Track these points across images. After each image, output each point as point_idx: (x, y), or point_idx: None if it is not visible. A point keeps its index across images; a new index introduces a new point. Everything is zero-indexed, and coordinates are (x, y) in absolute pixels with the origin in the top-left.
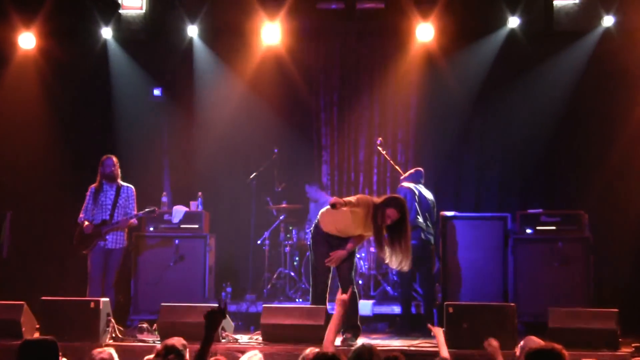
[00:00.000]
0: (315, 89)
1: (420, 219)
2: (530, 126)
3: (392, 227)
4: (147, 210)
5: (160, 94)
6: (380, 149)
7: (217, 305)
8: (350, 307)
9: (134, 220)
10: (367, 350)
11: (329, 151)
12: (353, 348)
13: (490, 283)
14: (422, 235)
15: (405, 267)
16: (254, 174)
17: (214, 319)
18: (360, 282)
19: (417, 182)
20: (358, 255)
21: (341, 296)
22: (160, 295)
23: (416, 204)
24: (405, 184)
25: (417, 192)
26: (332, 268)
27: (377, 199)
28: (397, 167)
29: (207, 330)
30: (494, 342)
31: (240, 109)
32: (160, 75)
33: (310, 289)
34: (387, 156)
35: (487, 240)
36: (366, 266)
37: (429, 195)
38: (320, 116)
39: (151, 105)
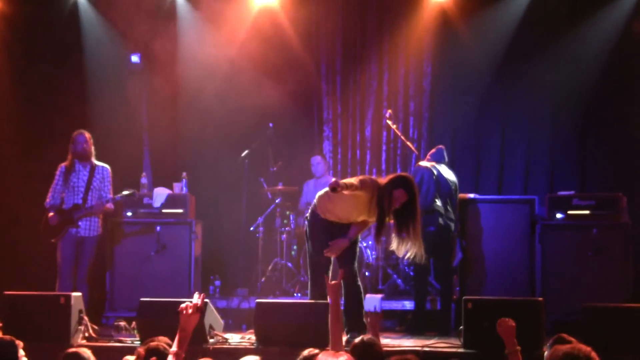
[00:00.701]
0: (315, 55)
1: (439, 203)
2: (561, 98)
3: (399, 211)
4: (125, 193)
5: (138, 61)
6: (389, 123)
7: (192, 300)
8: (354, 303)
9: (109, 205)
10: (368, 345)
11: (331, 126)
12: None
13: (515, 275)
14: (441, 221)
15: (417, 257)
16: (246, 151)
17: (188, 317)
18: (366, 274)
19: (438, 161)
20: (365, 244)
21: (332, 282)
22: (140, 289)
23: (434, 186)
24: (423, 164)
25: (435, 173)
26: (332, 259)
27: (382, 180)
28: (408, 143)
29: (179, 332)
30: (509, 322)
31: (231, 78)
32: (138, 40)
33: (309, 283)
34: (397, 131)
35: (512, 226)
36: (374, 256)
37: (450, 176)
38: (321, 86)
39: (128, 74)
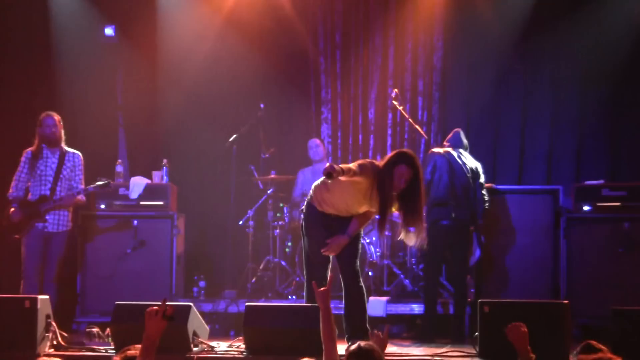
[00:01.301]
0: (312, 27)
1: (453, 193)
2: (589, 74)
3: (404, 194)
4: (98, 183)
5: (113, 34)
6: (395, 103)
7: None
8: (356, 307)
9: (81, 197)
10: (366, 352)
11: (330, 107)
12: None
13: (537, 275)
14: (455, 214)
15: (418, 244)
16: (234, 136)
17: (154, 322)
18: (370, 273)
19: (455, 146)
20: (367, 240)
21: (320, 289)
22: (115, 291)
23: (448, 174)
24: (436, 150)
25: (449, 159)
26: (331, 258)
27: (381, 162)
28: (417, 126)
29: (144, 338)
30: (521, 327)
31: (217, 53)
32: (113, 10)
33: (305, 284)
34: (404, 113)
35: (533, 220)
36: (378, 253)
37: (470, 162)
38: (318, 62)
39: (102, 48)
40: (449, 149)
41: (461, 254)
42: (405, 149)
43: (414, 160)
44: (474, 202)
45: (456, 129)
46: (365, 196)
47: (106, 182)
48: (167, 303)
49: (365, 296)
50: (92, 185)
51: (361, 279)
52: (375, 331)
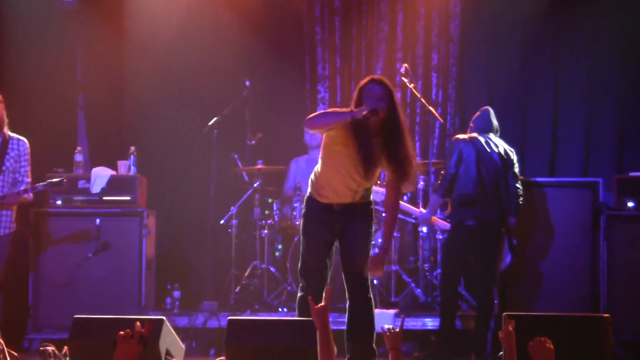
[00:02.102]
0: None
1: (481, 190)
2: (632, 50)
3: (386, 138)
4: (50, 181)
5: None
6: (405, 81)
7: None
8: (363, 322)
9: (27, 195)
10: None
11: (328, 84)
12: None
13: (572, 282)
14: (483, 213)
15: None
16: (215, 119)
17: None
18: (375, 282)
19: (482, 130)
20: (372, 242)
21: (318, 306)
22: (74, 302)
23: (475, 165)
24: (461, 136)
25: (477, 148)
26: (331, 262)
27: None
28: (430, 108)
29: None
30: (546, 343)
31: (194, 21)
32: None
33: (298, 293)
34: (415, 92)
35: (568, 217)
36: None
37: (501, 148)
38: (314, 31)
39: (59, 16)
40: (475, 134)
41: (489, 260)
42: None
43: (382, 80)
44: (505, 197)
45: (484, 108)
46: (346, 145)
47: (59, 180)
48: (143, 321)
49: (374, 310)
50: (41, 183)
51: (370, 290)
52: (390, 327)
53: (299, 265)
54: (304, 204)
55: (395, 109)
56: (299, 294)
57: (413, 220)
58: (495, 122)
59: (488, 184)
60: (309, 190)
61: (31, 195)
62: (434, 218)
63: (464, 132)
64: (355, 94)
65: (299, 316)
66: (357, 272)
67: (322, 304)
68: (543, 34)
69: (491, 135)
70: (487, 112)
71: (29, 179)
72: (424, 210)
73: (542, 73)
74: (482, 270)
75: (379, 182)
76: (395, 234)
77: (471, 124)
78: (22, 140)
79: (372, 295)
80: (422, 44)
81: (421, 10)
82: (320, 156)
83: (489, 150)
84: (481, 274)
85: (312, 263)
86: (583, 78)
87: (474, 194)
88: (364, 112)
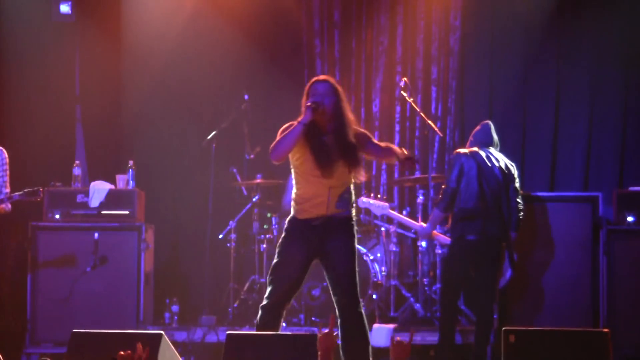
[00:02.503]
0: (306, 2)
1: (479, 204)
2: (635, 61)
3: (333, 128)
4: (26, 190)
5: (69, 11)
6: (404, 94)
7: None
8: (357, 338)
9: (5, 205)
10: None
11: None
12: None
13: (572, 297)
14: (484, 227)
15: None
16: (214, 132)
17: None
18: (374, 296)
19: (483, 143)
20: (371, 257)
21: (323, 332)
22: (72, 317)
23: (476, 179)
24: (462, 150)
25: (478, 162)
26: (301, 279)
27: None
28: (429, 122)
29: None
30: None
31: (192, 34)
32: None
33: (263, 302)
34: (414, 105)
35: (568, 232)
36: (383, 272)
37: (502, 162)
38: (313, 44)
39: (57, 28)
40: (476, 148)
41: (489, 275)
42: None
43: (327, 78)
44: (506, 212)
45: (485, 122)
46: (303, 153)
47: (35, 189)
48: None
49: (367, 324)
50: (17, 193)
51: (361, 303)
52: (397, 338)
53: (269, 274)
54: (287, 223)
55: (341, 103)
56: (262, 303)
57: (412, 235)
58: (495, 137)
59: (489, 199)
60: (291, 211)
61: (9, 205)
62: (435, 232)
63: (464, 146)
64: (302, 99)
65: (259, 325)
66: (349, 286)
67: (327, 331)
68: (543, 46)
69: (492, 150)
70: (488, 126)
71: (8, 190)
72: (424, 225)
73: (543, 86)
74: (482, 284)
75: (379, 196)
76: (394, 249)
77: (471, 138)
78: (0, 150)
79: (362, 311)
80: (422, 58)
81: (421, 23)
82: (292, 177)
83: (490, 164)
84: (481, 289)
85: (281, 272)
86: (584, 91)
87: (475, 208)
88: (307, 104)
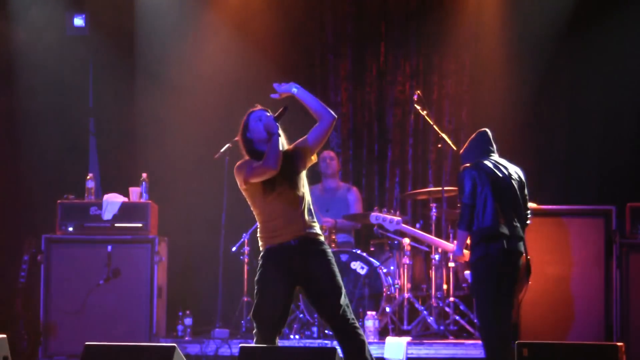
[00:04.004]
0: (319, 17)
1: (502, 221)
2: None
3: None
4: None
5: (83, 24)
6: (418, 107)
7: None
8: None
9: None
10: None
11: (340, 111)
12: None
13: (586, 311)
14: (507, 245)
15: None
16: (227, 145)
17: None
18: (387, 309)
19: (484, 153)
20: (384, 270)
21: None
22: (85, 329)
23: (491, 193)
24: (468, 164)
25: (489, 173)
26: (288, 307)
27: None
28: (443, 135)
29: None
30: None
31: (205, 47)
32: None
33: (254, 330)
34: (428, 118)
35: (581, 246)
36: (397, 285)
37: (512, 171)
38: (327, 58)
39: (70, 42)
40: (480, 159)
41: (515, 291)
42: None
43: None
44: (523, 221)
45: (481, 130)
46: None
47: None
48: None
49: (365, 340)
50: None
51: (352, 317)
52: None
53: (252, 309)
54: (259, 260)
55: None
56: (254, 330)
57: (426, 248)
58: (493, 145)
59: (508, 211)
60: (261, 249)
61: None
62: (466, 253)
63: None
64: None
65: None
66: (333, 305)
67: None
68: (557, 60)
69: (495, 157)
70: (487, 133)
71: None
72: (450, 245)
73: (556, 100)
74: (509, 301)
75: (391, 210)
76: (407, 262)
77: (467, 147)
78: None
79: (358, 326)
80: (435, 71)
81: (434, 36)
82: (254, 211)
83: (500, 174)
84: (510, 305)
85: (266, 308)
86: (598, 105)
87: (495, 224)
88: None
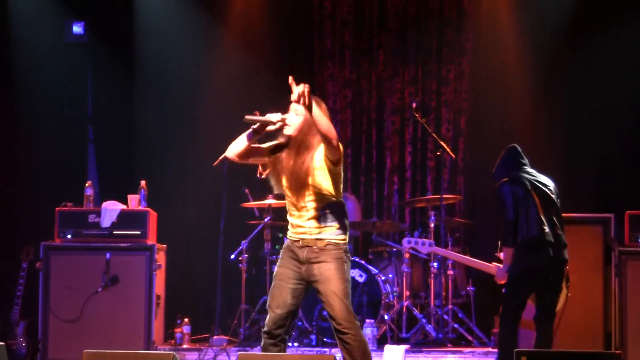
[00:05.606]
0: (318, 23)
1: (547, 229)
2: None
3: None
4: None
5: (82, 32)
6: (416, 116)
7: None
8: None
9: None
10: None
11: (338, 118)
12: None
13: (585, 319)
14: (552, 253)
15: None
16: (225, 153)
17: None
18: (386, 317)
19: (517, 166)
20: (383, 277)
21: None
22: (83, 337)
23: (534, 206)
24: (505, 179)
25: (527, 185)
26: (297, 303)
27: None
28: (442, 143)
29: None
30: None
31: (204, 55)
32: (82, 4)
33: (264, 327)
34: (427, 126)
35: (580, 254)
36: (395, 293)
37: (547, 181)
38: (325, 66)
39: (69, 49)
40: (516, 173)
41: (555, 299)
42: None
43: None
44: (562, 231)
45: (510, 145)
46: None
47: None
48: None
49: (367, 345)
50: None
51: (357, 322)
52: None
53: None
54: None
55: None
56: (263, 329)
57: (424, 256)
58: (524, 158)
59: (549, 221)
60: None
61: None
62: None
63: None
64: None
65: (262, 351)
66: (336, 307)
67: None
68: (555, 68)
69: (529, 169)
70: (513, 150)
71: None
72: (499, 265)
73: (554, 107)
74: (547, 308)
75: (423, 234)
76: (406, 270)
77: (500, 163)
78: None
79: (362, 337)
80: (434, 79)
81: (433, 45)
82: (340, 194)
83: (538, 184)
84: (550, 313)
85: (274, 300)
86: (596, 113)
87: (540, 235)
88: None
